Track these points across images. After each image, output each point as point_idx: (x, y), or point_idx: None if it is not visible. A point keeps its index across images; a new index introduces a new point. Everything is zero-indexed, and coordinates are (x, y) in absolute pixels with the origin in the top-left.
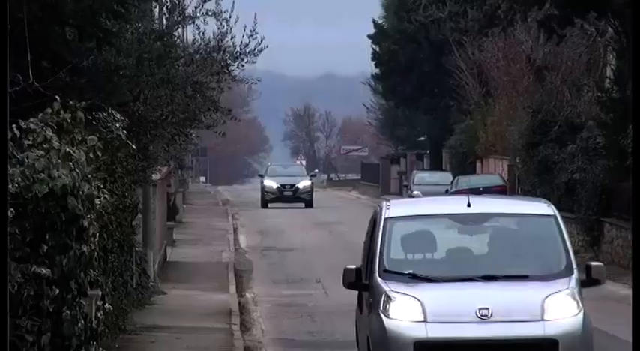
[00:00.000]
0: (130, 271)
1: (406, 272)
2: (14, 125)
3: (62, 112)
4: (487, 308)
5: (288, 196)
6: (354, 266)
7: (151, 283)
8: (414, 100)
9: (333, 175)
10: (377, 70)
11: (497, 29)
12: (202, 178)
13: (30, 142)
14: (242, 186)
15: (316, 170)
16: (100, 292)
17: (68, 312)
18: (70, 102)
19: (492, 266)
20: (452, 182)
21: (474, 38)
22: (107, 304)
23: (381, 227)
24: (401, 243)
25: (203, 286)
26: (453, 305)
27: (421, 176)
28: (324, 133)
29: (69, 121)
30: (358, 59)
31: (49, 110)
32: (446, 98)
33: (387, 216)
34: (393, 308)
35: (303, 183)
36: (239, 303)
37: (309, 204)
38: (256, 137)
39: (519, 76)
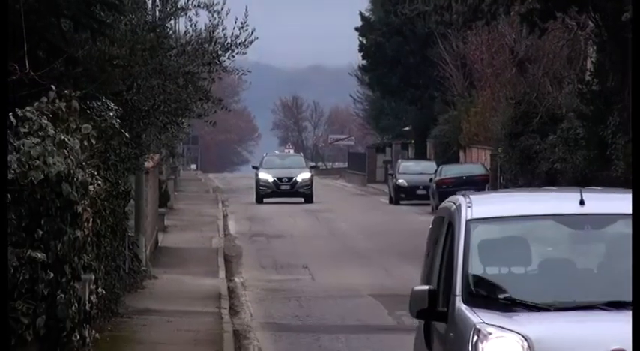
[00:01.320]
0: (122, 256)
1: (502, 296)
2: (11, 113)
3: (57, 100)
4: (623, 350)
5: (285, 190)
6: (427, 287)
7: (143, 268)
8: (399, 91)
9: (320, 164)
10: (364, 62)
11: (481, 22)
12: (193, 166)
13: (26, 130)
14: (232, 174)
15: (313, 163)
16: (94, 277)
17: (62, 295)
18: (65, 91)
19: (617, 288)
20: (436, 171)
21: (459, 31)
22: (100, 288)
23: (462, 233)
24: (489, 255)
25: (193, 271)
26: (574, 345)
27: (406, 165)
28: (312, 122)
29: (64, 109)
30: (346, 51)
31: (44, 99)
32: (430, 89)
33: (469, 217)
34: (488, 349)
35: (302, 176)
36: (228, 287)
37: (308, 199)
38: (246, 126)
39: (502, 68)
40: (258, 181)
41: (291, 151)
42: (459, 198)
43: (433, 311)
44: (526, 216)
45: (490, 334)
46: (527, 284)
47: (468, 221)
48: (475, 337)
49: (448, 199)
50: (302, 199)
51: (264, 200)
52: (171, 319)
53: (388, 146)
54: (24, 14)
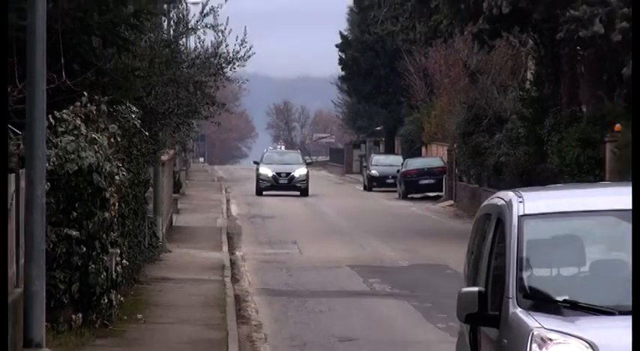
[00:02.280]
0: (142, 233)
1: (560, 299)
2: (50, 115)
3: (89, 105)
4: None
5: (283, 184)
6: (476, 289)
7: (160, 243)
8: (372, 97)
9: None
10: (343, 73)
11: (440, 40)
12: (201, 159)
13: (63, 129)
14: (233, 166)
15: (309, 158)
16: (119, 250)
17: (93, 266)
18: (95, 97)
19: None
20: (402, 163)
21: (421, 47)
22: (124, 260)
23: (514, 230)
24: (544, 253)
25: (201, 246)
26: None
27: (377, 158)
28: (300, 123)
29: (94, 112)
30: (328, 64)
31: (78, 103)
32: (398, 96)
33: (521, 213)
34: None
35: (299, 171)
36: (230, 260)
37: (304, 192)
38: (245, 126)
39: (457, 79)
40: (258, 175)
41: (283, 147)
42: (508, 193)
43: (483, 316)
44: (585, 211)
45: (551, 340)
46: (586, 285)
47: (520, 217)
48: (534, 344)
49: (494, 196)
50: (298, 193)
51: (263, 193)
52: (183, 285)
53: (363, 143)
54: (61, 33)
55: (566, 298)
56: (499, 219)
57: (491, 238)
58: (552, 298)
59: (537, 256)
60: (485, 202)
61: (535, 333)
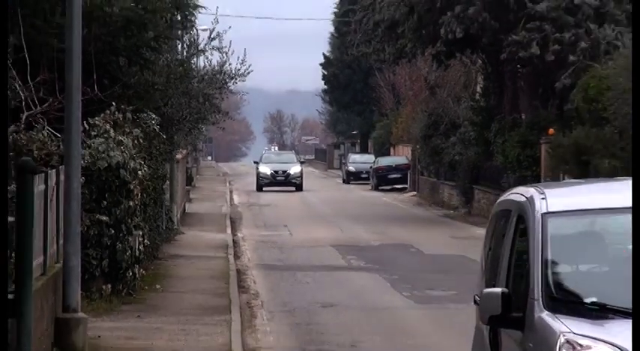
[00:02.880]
0: (161, 218)
1: (588, 301)
2: (84, 121)
3: (116, 113)
4: None
5: (280, 180)
6: (499, 290)
7: (175, 227)
8: (349, 107)
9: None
10: (325, 87)
11: (405, 60)
12: (209, 157)
13: (95, 133)
14: (235, 163)
15: (303, 157)
16: (141, 232)
17: (120, 245)
18: (122, 106)
19: None
20: (374, 161)
21: (390, 66)
22: (146, 240)
23: (538, 229)
24: (570, 253)
25: (209, 229)
26: None
27: (354, 157)
28: (290, 128)
29: (121, 119)
30: (313, 80)
31: (107, 112)
32: (370, 105)
33: (544, 210)
34: None
35: (294, 169)
36: (233, 240)
37: (299, 187)
38: (244, 131)
39: (419, 91)
40: (258, 173)
41: (276, 148)
42: (529, 189)
43: (507, 318)
44: (608, 209)
45: (581, 346)
46: (613, 286)
47: (543, 215)
48: (562, 350)
49: (512, 191)
50: (294, 188)
51: (263, 189)
52: (194, 261)
53: (342, 144)
54: (94, 54)
55: (594, 300)
56: (520, 216)
57: (512, 235)
58: (580, 300)
59: (562, 256)
60: (503, 198)
61: (564, 338)
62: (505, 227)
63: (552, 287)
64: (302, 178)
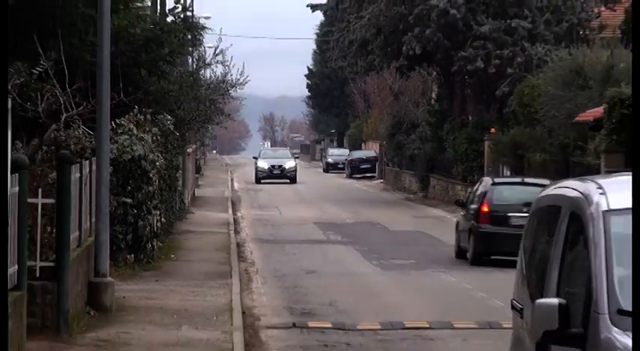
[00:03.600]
0: (174, 200)
1: None
2: (112, 121)
3: (138, 115)
4: None
5: (277, 174)
6: (555, 300)
7: (186, 208)
8: (328, 110)
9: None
10: (309, 94)
11: (374, 72)
12: (214, 151)
13: (121, 131)
14: (236, 156)
15: (297, 153)
16: (159, 212)
17: (141, 223)
18: (143, 109)
19: None
20: (348, 154)
21: (361, 77)
22: (162, 219)
23: (599, 229)
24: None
25: (214, 209)
26: None
27: (332, 151)
28: (280, 127)
29: (142, 119)
30: (299, 88)
31: (131, 114)
32: (346, 109)
33: (604, 207)
34: None
35: (289, 163)
36: (233, 218)
37: (293, 180)
38: (243, 129)
39: (385, 97)
40: (257, 167)
41: (268, 144)
42: (584, 183)
43: (565, 334)
44: None
45: None
46: None
47: (605, 213)
48: None
49: (560, 185)
50: (288, 181)
51: (261, 181)
52: (202, 236)
53: (322, 140)
54: (120, 67)
55: None
56: (574, 214)
57: (564, 236)
58: None
59: (623, 261)
60: (548, 192)
61: None
62: (553, 226)
63: (620, 299)
64: (296, 172)
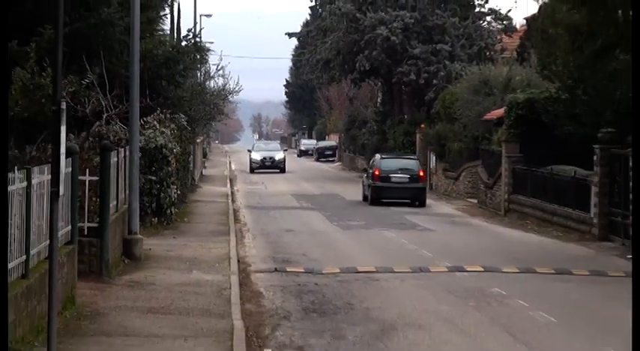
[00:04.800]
0: (187, 178)
1: None
2: (141, 119)
3: (160, 114)
4: None
5: (268, 165)
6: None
7: (195, 183)
8: (301, 111)
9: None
10: (287, 99)
11: (335, 83)
12: (217, 141)
13: (147, 126)
14: (233, 144)
15: (285, 146)
16: (175, 187)
17: (163, 194)
18: (164, 111)
19: None
20: (316, 143)
21: (325, 86)
22: (178, 191)
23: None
24: None
25: (217, 184)
26: None
27: (304, 141)
28: (266, 124)
29: (163, 118)
30: (280, 94)
31: (155, 114)
32: (314, 110)
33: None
34: None
35: (279, 155)
36: (231, 191)
37: (283, 170)
38: (238, 125)
39: (343, 102)
40: (251, 159)
41: (257, 136)
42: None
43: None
44: None
45: None
46: None
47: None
48: None
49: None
50: (278, 170)
51: (255, 171)
52: (207, 204)
53: (296, 133)
54: (147, 79)
55: None
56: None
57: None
58: None
59: None
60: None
61: None
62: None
63: None
64: (285, 163)
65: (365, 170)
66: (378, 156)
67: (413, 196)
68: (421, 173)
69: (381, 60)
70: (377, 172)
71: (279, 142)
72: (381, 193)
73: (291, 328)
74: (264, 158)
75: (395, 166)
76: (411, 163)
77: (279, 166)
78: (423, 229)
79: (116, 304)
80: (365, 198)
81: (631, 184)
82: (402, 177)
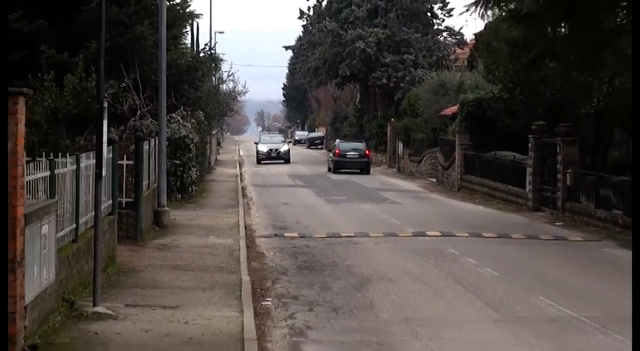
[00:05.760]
0: (205, 162)
1: None
2: (168, 115)
3: (183, 111)
4: None
5: (274, 156)
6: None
7: (211, 166)
8: (296, 108)
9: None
10: (284, 99)
11: (323, 86)
12: (228, 133)
13: (173, 121)
14: (241, 136)
15: (289, 139)
16: (195, 169)
17: (185, 175)
18: (186, 108)
19: None
20: (307, 134)
21: (315, 89)
22: (197, 173)
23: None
24: None
25: (228, 167)
26: None
27: (298, 132)
28: (267, 118)
29: (185, 114)
30: (279, 95)
31: (179, 111)
32: (306, 107)
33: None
34: None
35: (284, 147)
36: (240, 172)
37: (287, 161)
38: (245, 119)
39: (329, 101)
40: (258, 151)
41: (260, 129)
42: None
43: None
44: None
45: None
46: None
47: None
48: None
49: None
50: (283, 161)
51: (261, 162)
52: (221, 182)
53: (292, 126)
54: (172, 83)
55: None
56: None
57: None
58: None
59: None
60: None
61: None
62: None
63: None
64: (289, 154)
65: (330, 150)
66: (338, 140)
67: (361, 167)
68: (367, 152)
69: (359, 68)
70: (338, 151)
71: (282, 134)
72: (340, 165)
73: (288, 282)
74: (270, 150)
75: (349, 147)
76: (360, 145)
77: (284, 158)
78: (392, 202)
79: (148, 263)
80: (329, 169)
81: (559, 166)
82: (354, 154)
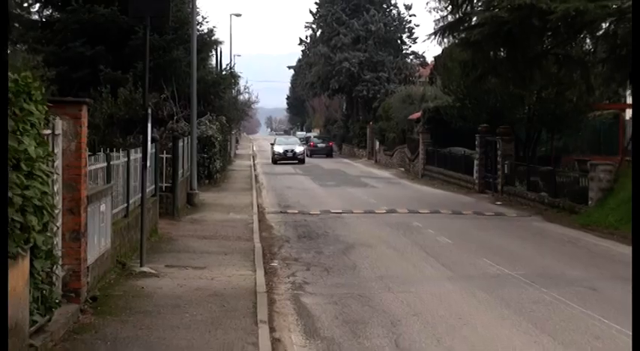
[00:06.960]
0: (226, 156)
1: None
2: (198, 119)
3: (210, 116)
4: None
5: (289, 157)
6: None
7: (231, 159)
8: (297, 114)
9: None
10: (287, 106)
11: (318, 96)
12: (244, 133)
13: (202, 124)
14: (255, 135)
15: (303, 141)
16: (219, 161)
17: (211, 165)
18: (212, 114)
19: None
20: (305, 134)
21: (311, 98)
22: (221, 164)
23: None
24: None
25: (244, 159)
26: None
27: (298, 133)
28: (275, 123)
29: (212, 118)
30: (283, 103)
31: (206, 116)
32: (305, 113)
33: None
34: None
35: (299, 148)
36: (253, 163)
37: (302, 161)
38: (256, 123)
39: (322, 108)
40: (274, 151)
41: (269, 130)
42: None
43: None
44: None
45: None
46: None
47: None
48: None
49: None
50: (297, 162)
51: (277, 162)
52: (239, 171)
53: (293, 128)
54: (202, 94)
55: None
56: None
57: None
58: None
59: None
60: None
61: None
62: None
63: None
64: (304, 155)
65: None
66: (311, 135)
67: (327, 153)
68: (330, 144)
69: (345, 82)
70: (312, 144)
71: (297, 136)
72: (280, 158)
73: (290, 248)
74: (286, 151)
75: (317, 140)
76: (325, 140)
77: (298, 158)
78: (371, 186)
79: (182, 233)
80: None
81: (498, 159)
82: (322, 144)
